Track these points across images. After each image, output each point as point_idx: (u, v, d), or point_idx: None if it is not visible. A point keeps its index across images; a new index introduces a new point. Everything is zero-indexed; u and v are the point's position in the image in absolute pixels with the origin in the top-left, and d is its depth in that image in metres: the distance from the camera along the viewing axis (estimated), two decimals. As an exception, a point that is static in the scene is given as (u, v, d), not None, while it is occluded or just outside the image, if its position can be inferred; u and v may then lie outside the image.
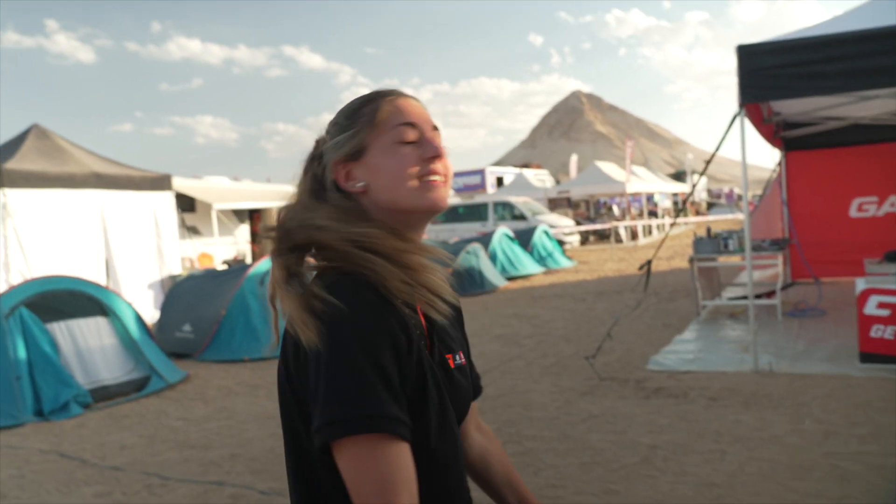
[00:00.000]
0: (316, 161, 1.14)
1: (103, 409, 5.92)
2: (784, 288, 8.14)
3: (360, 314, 0.96)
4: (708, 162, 5.70)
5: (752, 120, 7.02)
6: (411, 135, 1.08)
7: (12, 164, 9.73)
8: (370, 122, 1.08)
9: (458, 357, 1.17)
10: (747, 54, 5.24)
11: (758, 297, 7.63)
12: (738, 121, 5.51)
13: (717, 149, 5.59)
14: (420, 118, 1.11)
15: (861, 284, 5.26)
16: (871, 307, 5.18)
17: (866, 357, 5.25)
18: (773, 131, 9.00)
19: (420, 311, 1.11)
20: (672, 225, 6.52)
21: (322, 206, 1.08)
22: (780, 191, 9.91)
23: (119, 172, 11.29)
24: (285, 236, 1.07)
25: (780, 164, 10.04)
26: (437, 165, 1.09)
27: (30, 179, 9.78)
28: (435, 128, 1.13)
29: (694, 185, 6.69)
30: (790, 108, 8.22)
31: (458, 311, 1.27)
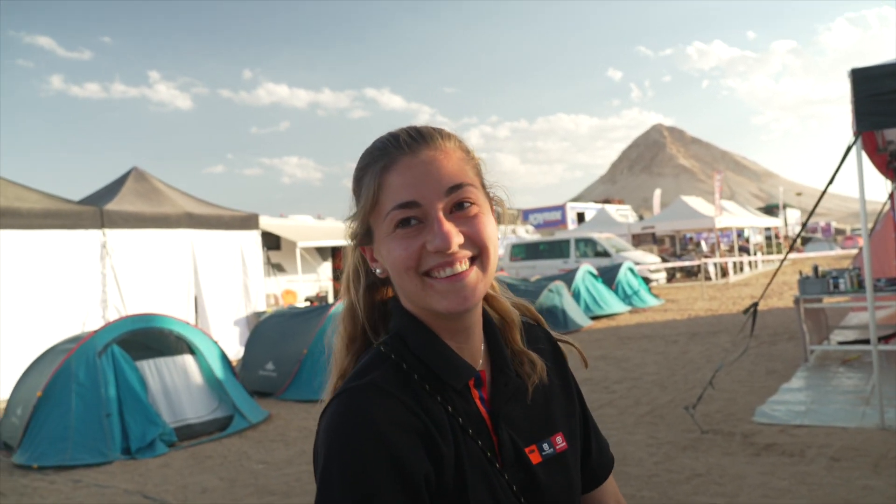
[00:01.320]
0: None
1: (187, 449, 5.91)
2: (903, 332, 7.40)
3: (353, 445, 0.79)
4: (821, 195, 5.23)
5: (865, 149, 6.48)
6: (408, 215, 0.86)
7: (112, 206, 10.19)
8: (369, 204, 0.89)
9: (548, 445, 0.94)
10: (863, 78, 4.81)
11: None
12: (853, 151, 5.04)
13: (832, 180, 5.13)
14: (422, 188, 0.85)
15: None
16: None
17: None
18: (888, 161, 8.32)
19: (479, 399, 0.91)
20: (782, 261, 6.02)
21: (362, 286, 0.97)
22: (895, 225, 9.14)
23: (210, 212, 11.66)
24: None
25: (891, 196, 9.28)
26: (446, 257, 0.85)
27: (128, 220, 10.22)
28: (456, 187, 0.86)
29: (804, 223, 6.18)
30: (906, 136, 7.57)
31: (560, 376, 1.04)
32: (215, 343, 7.05)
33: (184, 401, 6.40)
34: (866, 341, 7.23)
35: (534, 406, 0.95)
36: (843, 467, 4.21)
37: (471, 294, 0.86)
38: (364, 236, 0.92)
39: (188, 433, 6.22)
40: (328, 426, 0.82)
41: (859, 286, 7.13)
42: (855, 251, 27.55)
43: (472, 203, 0.87)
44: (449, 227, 0.84)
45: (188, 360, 6.66)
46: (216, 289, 11.26)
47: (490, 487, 0.85)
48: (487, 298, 0.99)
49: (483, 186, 0.92)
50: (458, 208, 0.86)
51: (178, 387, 6.44)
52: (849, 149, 5.03)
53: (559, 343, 1.09)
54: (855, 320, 9.95)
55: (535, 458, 0.91)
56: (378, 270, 0.93)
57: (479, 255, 0.87)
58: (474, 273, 0.86)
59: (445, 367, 0.89)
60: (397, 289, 0.92)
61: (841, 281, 7.18)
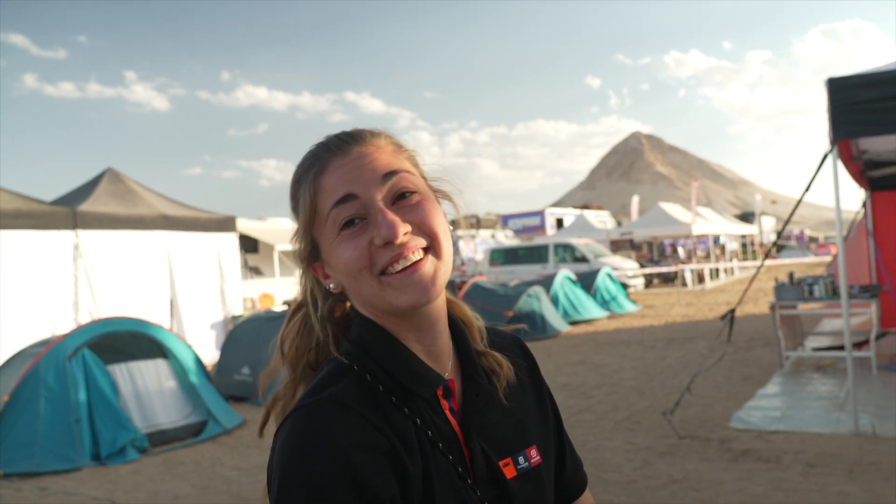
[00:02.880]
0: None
1: (159, 455, 5.80)
2: (876, 338, 7.50)
3: (312, 466, 0.73)
4: (797, 203, 5.28)
5: (840, 158, 6.56)
6: (350, 213, 0.82)
7: (86, 207, 10.01)
8: (308, 215, 0.86)
9: (523, 458, 0.89)
10: (839, 87, 4.86)
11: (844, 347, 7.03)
12: (829, 159, 5.09)
13: (808, 188, 5.17)
14: (358, 181, 0.83)
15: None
16: None
17: None
18: (861, 170, 8.45)
19: (449, 410, 0.86)
20: (759, 268, 6.06)
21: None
22: (867, 233, 9.27)
23: (186, 214, 11.50)
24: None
25: (864, 204, 9.41)
26: (397, 249, 0.81)
27: (101, 221, 10.03)
28: (392, 174, 0.84)
29: (782, 230, 6.24)
30: (879, 145, 7.69)
31: (533, 386, 0.99)
32: (190, 347, 6.94)
33: (156, 406, 6.28)
34: (840, 347, 7.32)
35: (507, 417, 0.91)
36: (818, 473, 4.24)
37: (430, 284, 0.82)
38: (311, 253, 0.88)
39: (161, 439, 6.10)
40: (284, 446, 0.76)
41: (833, 293, 7.21)
42: (828, 258, 27.99)
43: (412, 192, 0.84)
44: (393, 216, 0.81)
45: (161, 364, 6.54)
46: (192, 292, 11.10)
47: None
48: (447, 301, 0.94)
49: (423, 178, 0.90)
50: (401, 198, 0.84)
51: (150, 391, 6.32)
52: (825, 157, 5.08)
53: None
54: (829, 327, 10.07)
55: (509, 473, 0.87)
56: (332, 285, 0.88)
57: (432, 244, 0.83)
58: (429, 262, 0.83)
59: (411, 375, 0.84)
60: (353, 296, 0.87)
61: (816, 288, 7.26)
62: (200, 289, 11.28)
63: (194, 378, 6.63)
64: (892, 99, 4.75)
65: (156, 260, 10.66)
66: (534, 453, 0.91)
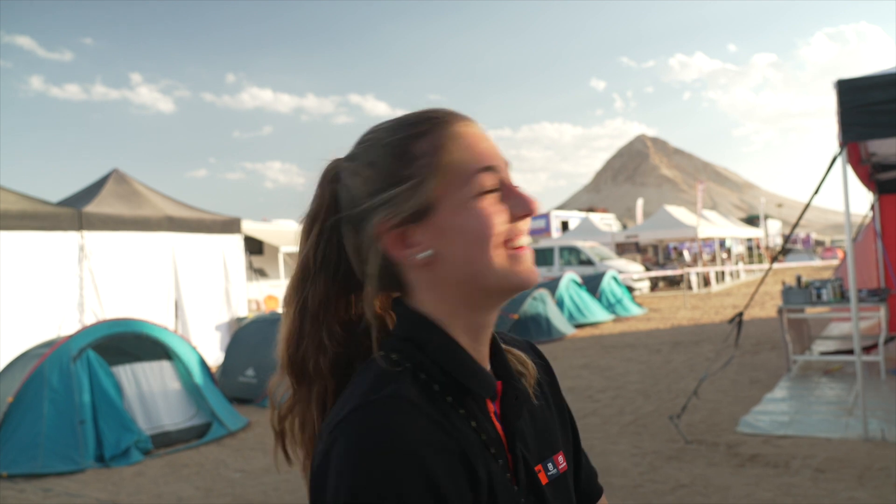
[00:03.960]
0: (341, 221, 0.81)
1: (163, 457, 5.78)
2: (885, 342, 7.44)
3: (386, 470, 0.66)
4: (805, 206, 5.24)
5: (849, 160, 6.51)
6: (494, 183, 0.78)
7: (91, 208, 10.02)
8: (434, 167, 0.77)
9: (552, 464, 0.85)
10: (849, 89, 4.82)
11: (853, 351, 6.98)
12: (838, 161, 5.05)
13: (817, 191, 5.13)
14: (496, 155, 0.80)
15: None
16: None
17: None
18: (869, 173, 8.39)
19: (493, 414, 0.80)
20: (767, 271, 6.03)
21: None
22: (876, 237, 9.21)
23: (191, 216, 11.50)
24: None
25: (872, 207, 9.35)
26: (523, 227, 0.80)
27: (106, 222, 10.04)
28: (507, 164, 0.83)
29: (790, 233, 6.20)
30: (888, 148, 7.64)
31: (550, 387, 0.95)
32: (194, 348, 6.92)
33: (160, 407, 6.27)
34: (849, 351, 7.26)
35: (535, 421, 0.87)
36: (827, 479, 4.19)
37: (530, 263, 0.81)
38: (414, 215, 0.77)
39: (164, 440, 6.08)
40: (351, 448, 0.67)
41: (841, 297, 7.16)
42: (835, 262, 27.86)
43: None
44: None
45: (166, 365, 6.52)
46: (197, 293, 11.09)
47: None
48: None
49: None
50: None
51: (154, 393, 6.30)
52: (834, 160, 5.03)
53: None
54: (836, 331, 10.01)
55: (542, 479, 0.82)
56: (422, 254, 0.77)
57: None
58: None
59: (471, 375, 0.77)
60: (457, 270, 0.78)
61: (823, 291, 7.21)
62: (205, 290, 11.27)
63: (198, 380, 6.62)
64: (904, 101, 4.72)
65: (161, 261, 10.66)
66: (560, 459, 0.87)
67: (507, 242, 0.77)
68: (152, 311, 9.64)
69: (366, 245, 0.80)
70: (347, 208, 0.81)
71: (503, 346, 0.88)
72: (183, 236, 11.05)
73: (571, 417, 0.98)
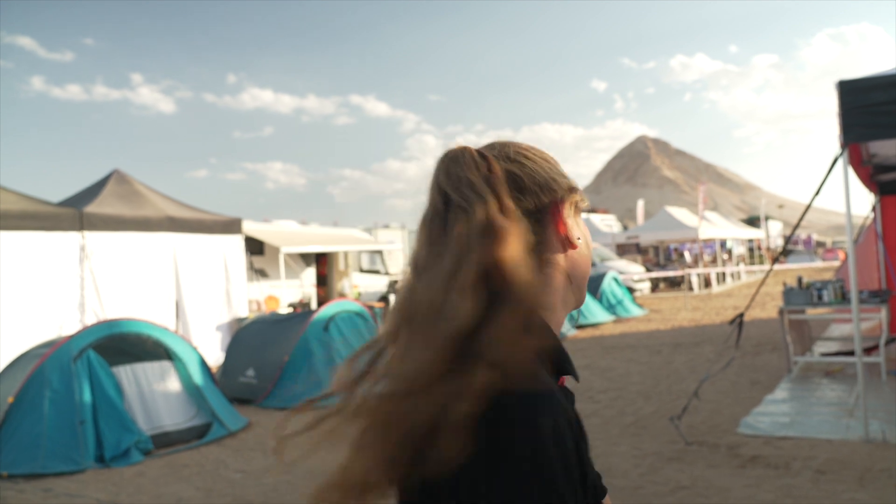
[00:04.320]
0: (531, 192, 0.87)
1: (163, 457, 5.78)
2: (886, 344, 7.43)
3: (558, 450, 0.70)
4: (806, 208, 5.23)
5: (851, 161, 6.51)
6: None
7: (92, 208, 10.02)
8: (569, 188, 0.91)
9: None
10: (850, 90, 4.81)
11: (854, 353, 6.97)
12: (839, 162, 5.05)
13: (818, 192, 5.13)
14: None
15: None
16: None
17: None
18: (870, 174, 8.38)
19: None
20: (769, 272, 6.02)
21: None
22: (876, 238, 9.20)
23: (192, 216, 11.51)
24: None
25: (874, 209, 9.35)
26: None
27: (107, 223, 10.05)
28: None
29: (791, 234, 6.20)
30: (888, 149, 7.63)
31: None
32: (195, 349, 6.92)
33: (161, 408, 6.27)
34: (849, 353, 7.25)
35: None
36: (828, 480, 4.18)
37: None
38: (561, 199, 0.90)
39: (165, 441, 6.08)
40: (533, 434, 0.69)
41: (842, 298, 7.15)
42: (836, 263, 27.83)
43: None
44: None
45: (166, 366, 6.52)
46: (198, 294, 11.10)
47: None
48: None
49: None
50: None
51: (155, 393, 6.30)
52: (835, 160, 5.03)
53: None
54: (837, 332, 10.00)
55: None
56: (580, 239, 0.89)
57: None
58: None
59: (570, 364, 0.83)
60: (580, 263, 0.90)
61: (824, 292, 7.20)
62: (206, 291, 11.28)
63: (199, 380, 6.62)
64: (906, 102, 4.71)
65: (161, 262, 10.66)
66: None
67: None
68: (153, 312, 9.64)
69: (546, 218, 0.92)
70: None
71: None
72: (184, 237, 11.06)
73: None
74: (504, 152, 0.88)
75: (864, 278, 9.28)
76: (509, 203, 0.80)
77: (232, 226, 12.11)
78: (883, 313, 7.28)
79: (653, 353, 9.87)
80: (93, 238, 9.75)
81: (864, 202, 9.54)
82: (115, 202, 10.74)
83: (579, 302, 0.91)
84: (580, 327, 13.46)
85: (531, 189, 0.86)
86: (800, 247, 46.77)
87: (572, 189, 0.91)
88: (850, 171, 6.97)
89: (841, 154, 4.98)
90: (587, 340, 11.96)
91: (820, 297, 7.22)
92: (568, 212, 0.89)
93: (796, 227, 5.88)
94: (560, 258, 0.88)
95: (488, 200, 0.78)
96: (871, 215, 9.37)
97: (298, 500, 4.53)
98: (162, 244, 10.69)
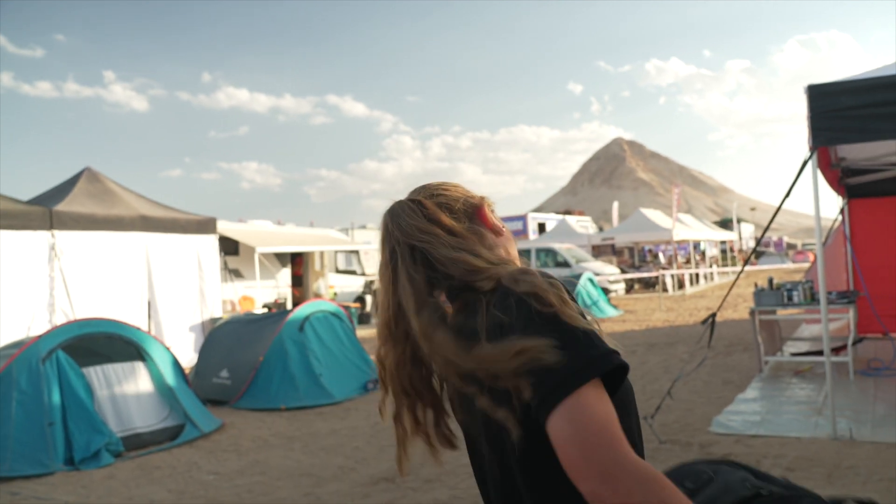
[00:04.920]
0: None
1: (134, 459, 5.70)
2: (853, 344, 7.58)
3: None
4: (777, 210, 5.32)
5: (819, 165, 6.63)
6: None
7: (62, 207, 9.85)
8: (478, 196, 1.36)
9: None
10: (819, 94, 4.90)
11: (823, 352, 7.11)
12: (808, 166, 5.14)
13: (788, 194, 5.22)
14: None
15: (954, 344, 4.76)
16: (965, 370, 4.67)
17: (962, 425, 4.72)
18: (839, 177, 8.55)
19: None
20: (739, 273, 6.11)
21: None
22: (845, 240, 9.38)
23: (165, 215, 11.37)
24: None
25: (842, 211, 9.53)
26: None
27: (79, 221, 9.88)
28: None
29: (762, 236, 6.28)
30: (857, 153, 7.79)
31: None
32: (167, 349, 6.84)
33: (132, 409, 6.18)
34: (819, 353, 7.38)
35: None
36: (798, 477, 4.25)
37: None
38: None
39: (136, 443, 6.00)
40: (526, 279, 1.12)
41: (812, 299, 7.27)
42: (806, 265, 28.31)
43: None
44: None
45: (138, 366, 6.43)
46: (171, 294, 10.97)
47: None
48: None
49: None
50: None
51: (126, 394, 6.21)
52: (804, 163, 5.12)
53: None
54: (807, 332, 10.16)
55: None
56: None
57: None
58: None
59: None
60: (503, 249, 1.32)
61: (795, 293, 7.32)
62: (179, 291, 11.15)
63: (171, 381, 6.54)
64: (872, 106, 4.80)
65: (134, 261, 10.52)
66: None
67: None
68: (125, 312, 9.50)
69: None
70: None
71: None
72: (157, 236, 10.92)
73: None
74: (428, 192, 1.27)
75: (832, 280, 9.45)
76: (451, 221, 1.21)
77: (206, 225, 11.98)
78: (851, 314, 7.43)
79: (627, 354, 9.90)
80: (63, 237, 9.58)
81: (833, 205, 9.73)
82: (87, 201, 10.56)
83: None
84: (556, 328, 13.52)
85: (458, 207, 1.25)
86: (771, 249, 47.51)
87: (482, 198, 1.31)
88: (820, 174, 7.11)
89: (810, 157, 5.07)
90: (563, 341, 12.01)
91: (790, 298, 7.34)
92: (488, 212, 1.29)
93: (766, 229, 5.97)
94: (499, 240, 1.27)
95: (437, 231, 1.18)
96: (840, 218, 9.56)
97: (273, 501, 4.49)
98: (134, 243, 10.55)
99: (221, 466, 5.40)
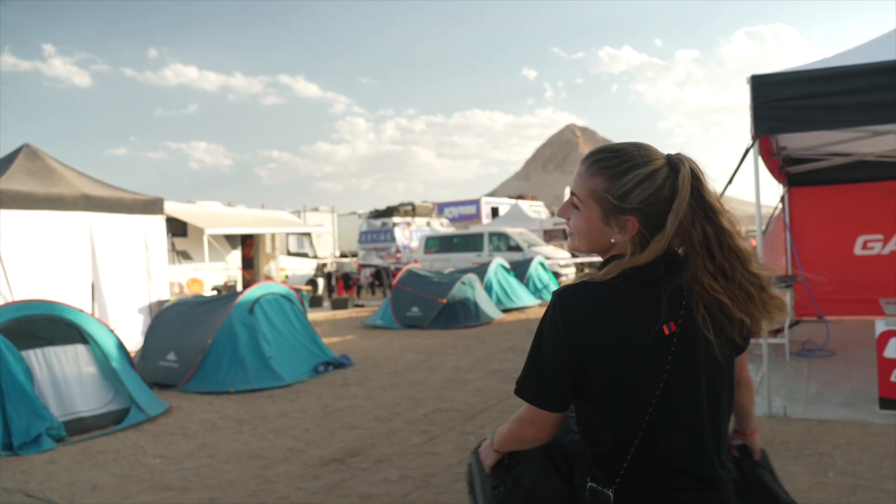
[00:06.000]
0: None
1: (77, 444, 5.57)
2: (790, 326, 7.89)
3: None
4: (720, 196, 5.47)
5: (761, 153, 6.84)
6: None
7: (0, 185, 9.47)
8: None
9: None
10: (761, 85, 5.06)
11: (765, 335, 7.38)
12: (751, 154, 5.31)
13: (730, 181, 5.38)
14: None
15: (881, 326, 5.01)
16: (891, 350, 4.93)
17: (887, 403, 4.99)
18: (780, 166, 8.84)
19: None
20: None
21: None
22: (784, 227, 9.73)
23: (110, 195, 11.04)
24: None
25: (783, 199, 9.87)
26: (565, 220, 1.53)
27: (17, 200, 9.53)
28: (572, 193, 1.49)
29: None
30: (797, 142, 8.07)
31: None
32: (112, 332, 6.68)
33: (75, 393, 6.03)
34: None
35: None
36: (733, 453, 4.43)
37: (571, 246, 1.54)
38: None
39: (79, 427, 5.85)
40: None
41: (752, 283, 7.54)
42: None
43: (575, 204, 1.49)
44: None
45: (81, 349, 6.27)
46: (116, 275, 10.68)
47: None
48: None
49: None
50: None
51: (68, 378, 6.05)
52: (746, 151, 5.28)
53: None
54: (747, 315, 10.54)
55: None
56: None
57: (573, 232, 1.50)
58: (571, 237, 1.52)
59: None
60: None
61: (736, 278, 7.56)
62: (125, 272, 10.87)
63: (116, 364, 6.39)
64: (812, 97, 4.98)
65: (77, 242, 10.20)
66: None
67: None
68: (67, 294, 9.22)
69: None
70: None
71: None
72: (101, 216, 10.61)
73: None
74: None
75: (773, 264, 9.80)
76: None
77: (153, 206, 11.69)
78: (788, 297, 7.72)
79: (576, 336, 10.15)
80: (1, 216, 9.22)
81: (775, 193, 10.07)
82: (26, 178, 10.18)
83: None
84: (507, 311, 13.70)
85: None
86: (717, 235, 48.88)
87: None
88: (762, 162, 7.33)
89: (752, 145, 5.24)
90: (513, 323, 12.18)
91: (732, 282, 7.58)
92: None
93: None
94: None
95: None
96: (780, 205, 9.90)
97: (221, 483, 4.46)
98: (77, 223, 10.22)
99: (168, 450, 5.33)
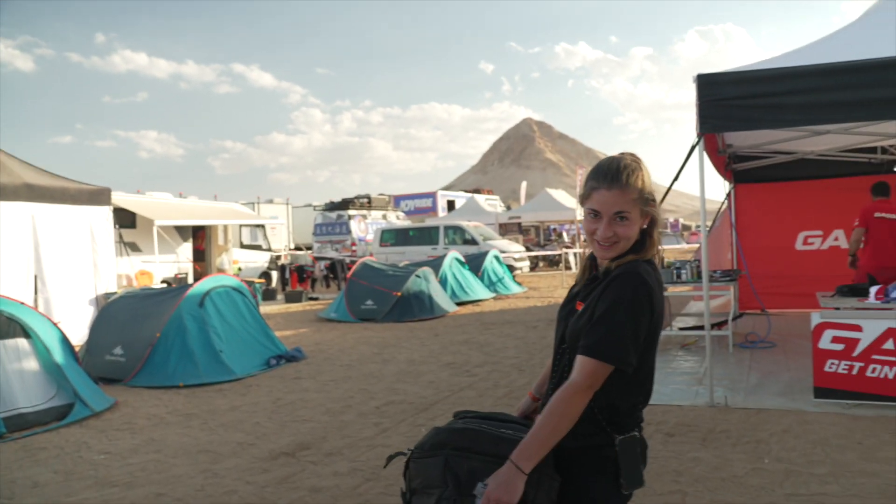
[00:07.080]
0: None
1: (18, 440, 5.41)
2: (733, 319, 8.15)
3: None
4: (666, 192, 5.61)
5: (707, 150, 7.03)
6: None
7: (-67, 172, 9.09)
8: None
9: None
10: (707, 84, 5.19)
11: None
12: (696, 150, 5.45)
13: (676, 178, 5.53)
14: (601, 204, 1.74)
15: (816, 318, 5.22)
16: (825, 341, 5.14)
17: (821, 392, 5.20)
18: (726, 163, 9.08)
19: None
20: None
21: None
22: (730, 223, 10.01)
23: (54, 184, 10.70)
24: None
25: (728, 195, 10.16)
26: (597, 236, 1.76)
27: (-47, 188, 9.15)
28: (616, 213, 1.73)
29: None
30: (742, 140, 8.31)
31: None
32: (55, 325, 6.49)
33: (15, 388, 5.84)
34: (702, 327, 7.90)
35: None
36: (676, 441, 4.57)
37: (602, 256, 1.79)
38: None
39: (20, 423, 5.68)
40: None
41: (699, 277, 7.75)
42: (697, 245, 29.97)
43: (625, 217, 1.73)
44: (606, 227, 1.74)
45: (21, 343, 6.08)
46: (60, 268, 10.37)
47: None
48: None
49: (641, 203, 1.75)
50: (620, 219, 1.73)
51: (8, 373, 5.86)
52: (692, 148, 5.42)
53: None
54: (694, 308, 10.81)
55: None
56: None
57: (618, 241, 1.73)
58: (611, 248, 1.75)
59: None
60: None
61: (683, 272, 7.77)
62: (70, 264, 10.56)
63: (59, 358, 6.22)
64: (757, 97, 5.14)
65: (18, 233, 9.86)
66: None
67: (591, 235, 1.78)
68: (8, 286, 8.92)
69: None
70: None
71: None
72: (44, 206, 10.27)
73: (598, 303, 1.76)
74: None
75: (719, 259, 10.09)
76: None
77: (99, 196, 11.37)
78: (732, 291, 7.96)
79: (529, 329, 10.29)
80: (-65, 205, 8.86)
81: (721, 189, 10.36)
82: (-37, 166, 9.79)
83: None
84: (461, 304, 13.77)
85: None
86: (668, 230, 49.93)
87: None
88: (707, 159, 7.53)
89: (697, 142, 5.38)
90: (468, 317, 12.26)
91: (679, 276, 7.79)
92: None
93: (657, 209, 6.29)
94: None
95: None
96: (726, 202, 10.18)
97: (168, 478, 4.40)
98: (18, 214, 9.88)
99: (113, 446, 5.22)
